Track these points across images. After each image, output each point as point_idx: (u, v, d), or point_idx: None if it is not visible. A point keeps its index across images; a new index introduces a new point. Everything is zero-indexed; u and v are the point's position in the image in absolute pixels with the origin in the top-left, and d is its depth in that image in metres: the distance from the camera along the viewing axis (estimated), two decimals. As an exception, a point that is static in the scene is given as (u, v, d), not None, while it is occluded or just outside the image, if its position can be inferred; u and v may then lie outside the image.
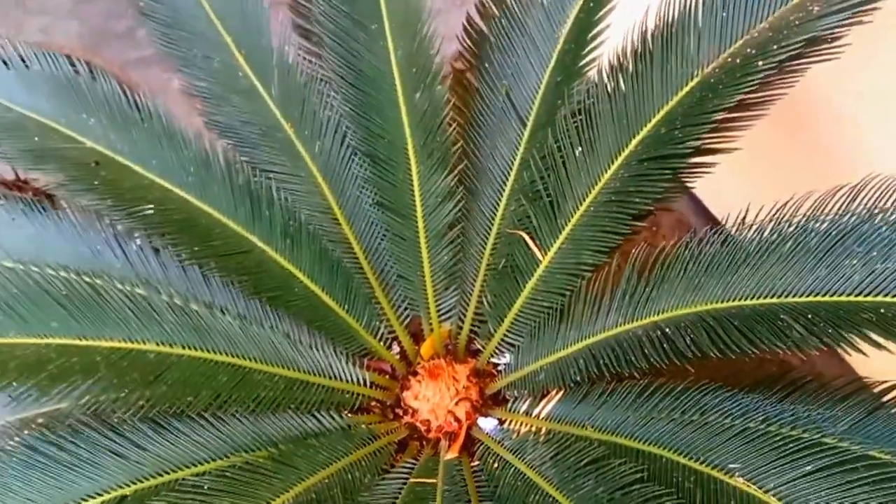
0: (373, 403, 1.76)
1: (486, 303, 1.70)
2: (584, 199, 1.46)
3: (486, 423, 1.71)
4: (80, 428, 1.45)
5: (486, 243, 1.66)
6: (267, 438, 1.52)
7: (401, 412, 1.76)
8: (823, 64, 1.28)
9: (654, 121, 1.35)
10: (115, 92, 1.56)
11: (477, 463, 1.63)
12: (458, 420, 1.72)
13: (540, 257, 1.57)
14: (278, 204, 1.63)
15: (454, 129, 1.66)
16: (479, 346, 1.77)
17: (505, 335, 1.67)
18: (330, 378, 1.65)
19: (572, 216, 1.49)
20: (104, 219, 1.63)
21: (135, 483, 1.40)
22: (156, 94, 1.62)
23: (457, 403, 1.72)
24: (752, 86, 1.24)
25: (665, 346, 1.26)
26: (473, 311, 1.73)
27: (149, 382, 1.41)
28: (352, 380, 1.67)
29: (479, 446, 1.65)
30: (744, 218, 1.37)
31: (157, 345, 1.46)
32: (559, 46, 1.59)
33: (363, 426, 1.67)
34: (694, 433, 1.31)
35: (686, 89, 1.33)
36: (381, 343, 1.76)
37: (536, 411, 1.60)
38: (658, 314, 1.34)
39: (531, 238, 1.55)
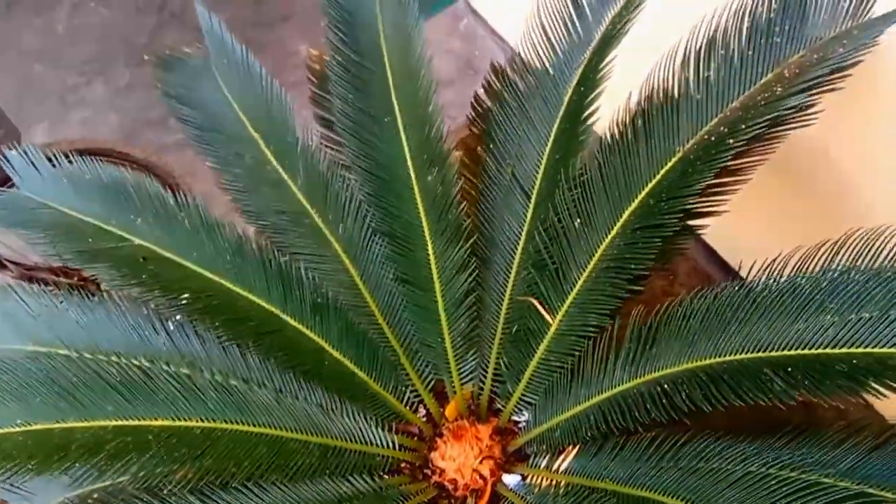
0: (403, 465, 1.87)
1: (503, 365, 1.82)
2: (586, 267, 1.58)
3: (510, 479, 1.81)
4: (134, 501, 1.58)
5: (500, 309, 1.79)
6: None
7: (429, 472, 1.87)
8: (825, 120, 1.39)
9: (642, 194, 1.48)
10: (158, 192, 1.73)
11: (504, 520, 1.74)
12: (483, 477, 1.83)
13: (549, 321, 1.69)
14: (307, 283, 1.78)
15: (464, 206, 1.81)
16: (500, 406, 1.89)
17: (522, 395, 1.79)
18: (362, 443, 1.77)
19: (576, 282, 1.61)
20: (150, 304, 1.78)
21: (186, 551, 1.52)
22: (188, 175, 1.77)
23: (481, 462, 1.83)
24: (726, 160, 1.36)
25: (664, 401, 1.37)
26: (492, 373, 1.85)
27: (196, 456, 1.54)
28: (382, 444, 1.79)
29: (504, 502, 1.76)
30: (735, 276, 1.49)
31: (202, 421, 1.59)
32: (556, 126, 1.73)
33: (395, 488, 1.78)
34: (700, 480, 1.41)
35: (668, 165, 1.47)
36: (408, 407, 1.88)
37: (555, 466, 1.70)
38: (657, 371, 1.45)
39: (540, 304, 1.68)
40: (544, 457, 1.75)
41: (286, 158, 1.84)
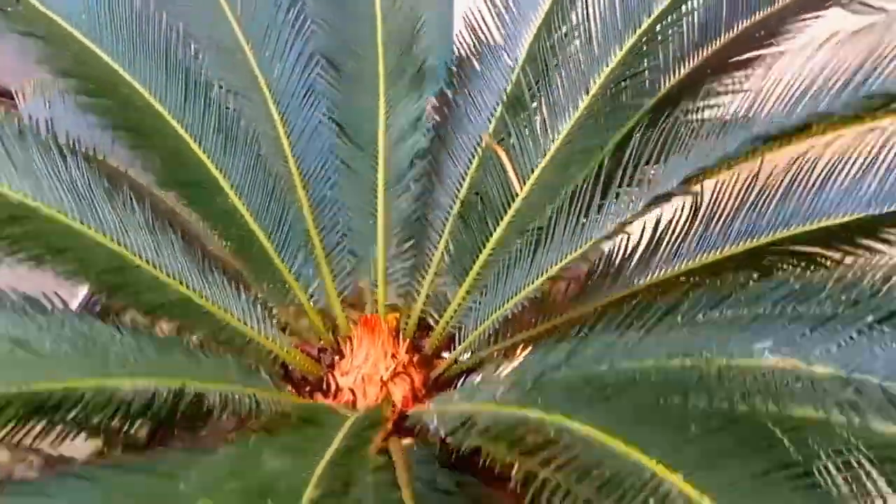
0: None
1: (447, 258, 1.39)
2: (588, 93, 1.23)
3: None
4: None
5: (461, 182, 1.40)
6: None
7: (321, 395, 1.37)
8: None
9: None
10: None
11: (409, 440, 1.23)
12: (392, 404, 1.33)
13: (517, 187, 1.31)
14: (218, 93, 1.38)
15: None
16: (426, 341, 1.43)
17: (466, 295, 1.35)
18: (233, 316, 1.30)
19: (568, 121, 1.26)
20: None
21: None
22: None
23: (393, 377, 1.34)
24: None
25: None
26: (433, 275, 1.41)
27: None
28: (258, 328, 1.31)
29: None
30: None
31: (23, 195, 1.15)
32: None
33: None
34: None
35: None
36: (309, 299, 1.41)
37: (498, 372, 1.23)
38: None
39: (506, 153, 1.30)
40: (481, 373, 1.27)
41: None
